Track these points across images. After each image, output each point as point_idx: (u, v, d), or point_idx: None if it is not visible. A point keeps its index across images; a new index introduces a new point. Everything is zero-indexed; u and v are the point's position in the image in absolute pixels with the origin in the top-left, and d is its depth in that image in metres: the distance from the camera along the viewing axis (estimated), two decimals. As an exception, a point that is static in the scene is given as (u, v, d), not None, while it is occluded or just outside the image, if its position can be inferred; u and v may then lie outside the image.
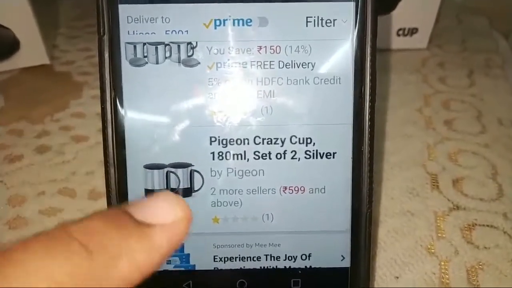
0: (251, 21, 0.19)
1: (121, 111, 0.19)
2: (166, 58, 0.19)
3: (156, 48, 0.19)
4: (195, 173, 0.19)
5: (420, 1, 0.41)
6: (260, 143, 0.19)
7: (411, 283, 0.23)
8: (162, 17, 0.19)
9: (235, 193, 0.20)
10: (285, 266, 0.20)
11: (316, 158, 0.19)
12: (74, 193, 0.29)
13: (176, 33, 0.19)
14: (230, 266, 0.20)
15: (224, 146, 0.19)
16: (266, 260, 0.20)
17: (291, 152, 0.19)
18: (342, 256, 0.20)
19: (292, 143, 0.19)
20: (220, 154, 0.19)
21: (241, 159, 0.19)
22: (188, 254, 0.20)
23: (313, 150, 0.19)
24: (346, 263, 0.20)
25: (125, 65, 0.19)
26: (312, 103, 0.19)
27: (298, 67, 0.19)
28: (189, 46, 0.19)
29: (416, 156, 0.32)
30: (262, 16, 0.19)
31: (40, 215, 0.27)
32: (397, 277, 0.24)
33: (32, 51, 0.40)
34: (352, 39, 0.19)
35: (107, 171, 0.19)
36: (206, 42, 0.19)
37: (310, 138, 0.19)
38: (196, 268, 0.20)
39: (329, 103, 0.19)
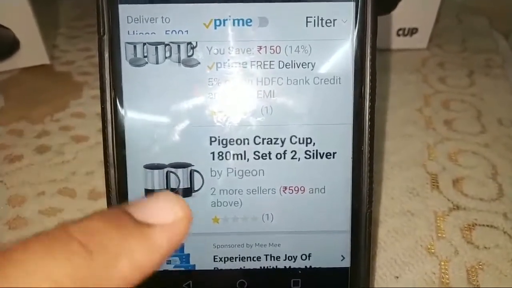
0: (251, 21, 0.19)
1: (121, 111, 0.19)
2: (166, 58, 0.19)
3: (156, 48, 0.19)
4: (195, 173, 0.19)
5: (420, 1, 0.41)
6: (260, 143, 0.19)
7: (411, 283, 0.23)
8: (162, 17, 0.19)
9: (235, 193, 0.20)
10: (285, 266, 0.20)
11: (316, 158, 0.19)
12: (74, 193, 0.29)
13: (176, 33, 0.19)
14: (230, 266, 0.20)
15: (224, 146, 0.19)
16: (266, 260, 0.20)
17: (291, 152, 0.19)
18: (342, 256, 0.20)
19: (292, 143, 0.19)
20: (220, 154, 0.19)
21: (241, 159, 0.19)
22: (188, 254, 0.20)
23: (313, 150, 0.19)
24: (346, 263, 0.20)
25: (125, 65, 0.19)
26: (312, 103, 0.19)
27: (298, 67, 0.19)
28: (189, 46, 0.19)
29: (416, 156, 0.32)
30: (262, 16, 0.19)
31: (40, 215, 0.27)
32: (397, 277, 0.24)
33: (32, 51, 0.40)
34: (352, 39, 0.19)
35: (107, 171, 0.19)
36: (206, 42, 0.19)
37: (310, 138, 0.19)
38: (196, 268, 0.20)
39: (329, 103, 0.19)
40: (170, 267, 0.20)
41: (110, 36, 0.19)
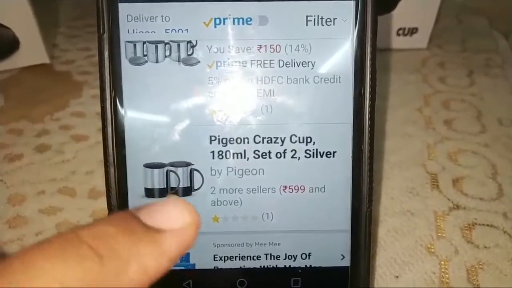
0: (251, 19, 0.19)
1: (121, 110, 0.19)
2: (166, 56, 0.19)
3: (156, 46, 0.19)
4: (195, 172, 0.19)
5: (420, 1, 0.41)
6: (260, 142, 0.19)
7: (411, 283, 0.23)
8: (162, 16, 0.19)
9: (235, 192, 0.20)
10: (285, 265, 0.20)
11: (316, 157, 0.19)
12: (74, 192, 0.29)
13: (176, 31, 0.19)
14: (230, 265, 0.20)
15: (224, 145, 0.19)
16: (266, 259, 0.20)
17: (291, 151, 0.19)
18: (342, 255, 0.20)
19: (292, 142, 0.19)
20: (220, 153, 0.19)
21: (241, 158, 0.19)
22: (188, 253, 0.20)
23: (313, 149, 0.19)
24: (346, 262, 0.20)
25: (125, 64, 0.19)
26: (312, 102, 0.19)
27: (298, 66, 0.19)
28: (189, 44, 0.19)
29: (416, 156, 0.32)
30: (262, 14, 0.19)
31: (40, 214, 0.27)
32: (397, 277, 0.24)
33: (32, 51, 0.40)
34: (352, 38, 0.19)
35: (107, 170, 0.19)
36: (206, 40, 0.19)
37: (310, 137, 0.19)
38: (196, 267, 0.20)
39: (329, 102, 0.19)
40: (170, 266, 0.20)
41: (110, 34, 0.19)
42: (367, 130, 0.19)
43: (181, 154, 0.19)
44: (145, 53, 0.19)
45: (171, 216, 0.11)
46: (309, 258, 0.20)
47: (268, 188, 0.20)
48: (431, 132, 0.34)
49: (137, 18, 0.19)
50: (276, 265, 0.20)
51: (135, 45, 0.19)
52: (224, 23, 0.19)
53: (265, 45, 0.19)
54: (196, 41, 0.19)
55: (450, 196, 0.28)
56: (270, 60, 0.19)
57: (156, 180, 0.19)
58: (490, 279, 0.23)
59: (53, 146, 0.33)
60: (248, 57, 0.19)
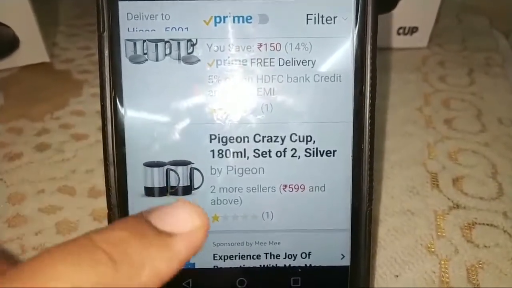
0: (251, 18, 0.19)
1: (121, 108, 0.19)
2: (166, 55, 0.19)
3: (156, 45, 0.19)
4: (195, 171, 0.19)
5: (421, 0, 0.41)
6: (260, 141, 0.19)
7: (411, 282, 0.23)
8: (162, 14, 0.19)
9: (235, 191, 0.20)
10: (285, 265, 0.20)
11: (316, 156, 0.19)
12: (73, 191, 0.29)
13: (176, 30, 0.19)
14: (230, 265, 0.20)
15: (224, 144, 0.19)
16: (266, 258, 0.20)
17: (291, 150, 0.19)
18: (342, 254, 0.20)
19: (292, 141, 0.19)
20: (220, 152, 0.19)
21: (241, 157, 0.19)
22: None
23: (313, 148, 0.19)
24: (346, 262, 0.20)
25: (125, 62, 0.19)
26: (312, 101, 0.19)
27: (298, 64, 0.19)
28: (189, 43, 0.19)
29: (416, 155, 0.31)
30: (262, 13, 0.19)
31: (39, 213, 0.27)
32: (397, 276, 0.24)
33: (32, 49, 0.40)
34: (352, 37, 0.19)
35: (107, 169, 0.19)
36: (206, 39, 0.19)
37: (310, 136, 0.19)
38: (196, 267, 0.20)
39: (329, 101, 0.19)
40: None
41: (110, 33, 0.19)
42: (367, 129, 0.19)
43: (181, 153, 0.19)
44: (145, 51, 0.19)
45: (181, 219, 0.12)
46: (309, 258, 0.20)
47: (268, 187, 0.20)
48: (431, 131, 0.34)
49: (137, 17, 0.19)
50: (276, 264, 0.20)
51: (135, 44, 0.19)
52: (224, 22, 0.19)
53: (265, 44, 0.19)
54: (196, 39, 0.19)
55: (450, 196, 0.28)
56: (270, 59, 0.19)
57: (156, 179, 0.19)
58: (490, 279, 0.23)
59: (53, 145, 0.33)
60: (248, 56, 0.19)
